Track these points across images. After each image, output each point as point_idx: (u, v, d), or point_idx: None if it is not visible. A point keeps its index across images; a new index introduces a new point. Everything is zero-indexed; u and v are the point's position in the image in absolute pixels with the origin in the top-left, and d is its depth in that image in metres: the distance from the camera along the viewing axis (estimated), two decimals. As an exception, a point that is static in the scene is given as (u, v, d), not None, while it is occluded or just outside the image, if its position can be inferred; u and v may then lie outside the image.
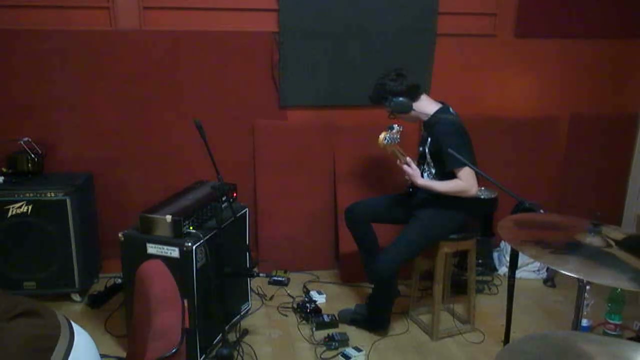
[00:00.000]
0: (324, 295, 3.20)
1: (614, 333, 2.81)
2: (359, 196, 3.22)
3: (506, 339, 2.19)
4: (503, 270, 3.56)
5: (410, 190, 2.82)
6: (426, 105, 2.70)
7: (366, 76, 2.93)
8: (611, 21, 3.59)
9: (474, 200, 2.70)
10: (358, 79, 3.33)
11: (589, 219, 1.71)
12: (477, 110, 3.55)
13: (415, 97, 2.69)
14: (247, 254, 2.89)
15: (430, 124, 2.69)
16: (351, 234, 2.99)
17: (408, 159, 2.64)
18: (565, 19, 3.55)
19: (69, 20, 3.10)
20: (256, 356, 2.64)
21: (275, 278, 3.38)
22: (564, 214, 2.03)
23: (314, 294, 3.20)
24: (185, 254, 2.36)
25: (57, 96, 3.19)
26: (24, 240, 2.91)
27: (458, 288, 3.14)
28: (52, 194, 2.88)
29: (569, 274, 1.49)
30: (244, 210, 2.85)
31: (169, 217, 2.40)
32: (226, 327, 2.53)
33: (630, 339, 2.72)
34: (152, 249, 2.40)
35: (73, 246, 2.95)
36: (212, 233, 2.49)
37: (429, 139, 2.70)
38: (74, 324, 1.15)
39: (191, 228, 2.46)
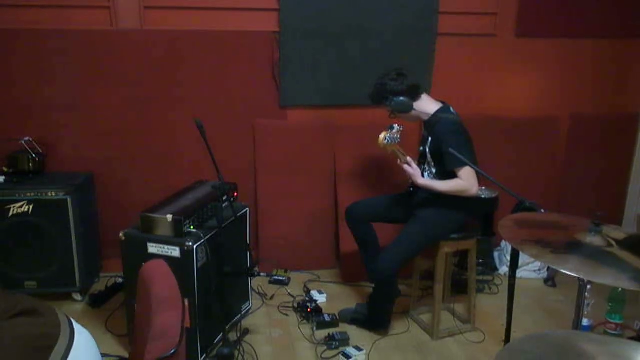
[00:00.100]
0: (325, 295, 3.20)
1: (614, 333, 2.81)
2: (359, 196, 3.22)
3: (507, 339, 2.19)
4: (504, 269, 3.56)
5: (411, 189, 2.83)
6: (427, 105, 2.70)
7: (366, 76, 2.93)
8: (611, 21, 3.59)
9: (475, 200, 2.70)
10: (358, 79, 3.33)
11: (590, 219, 1.71)
12: (477, 110, 3.55)
13: (415, 96, 2.69)
14: (248, 253, 2.89)
15: (430, 124, 2.69)
16: (352, 234, 2.99)
17: (408, 158, 2.64)
18: (565, 19, 3.54)
19: (70, 20, 3.10)
20: (257, 355, 2.64)
21: (276, 277, 3.38)
22: (564, 213, 2.02)
23: (314, 294, 3.20)
24: (186, 253, 2.36)
25: (58, 96, 3.19)
26: (24, 239, 2.91)
27: (459, 288, 3.14)
28: (53, 194, 2.89)
29: (569, 273, 1.49)
30: (244, 210, 2.85)
31: (169, 217, 2.40)
32: (227, 327, 2.53)
33: (631, 338, 2.72)
34: (152, 248, 2.40)
35: (74, 246, 2.95)
36: (212, 232, 2.50)
37: (430, 139, 2.70)
38: (74, 323, 1.14)
39: (192, 227, 2.46)
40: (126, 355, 2.58)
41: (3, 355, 0.99)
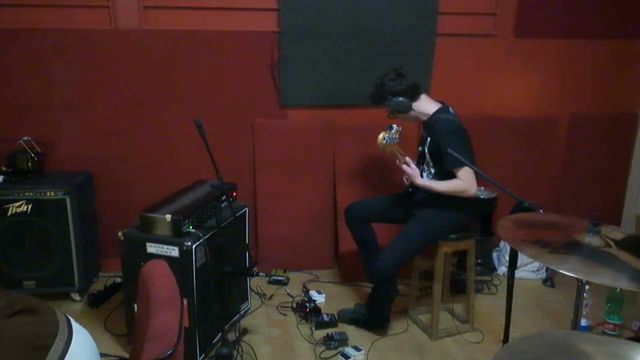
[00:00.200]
0: (324, 295, 3.20)
1: (613, 333, 2.81)
2: (358, 196, 3.23)
3: (505, 339, 2.19)
4: (502, 270, 3.56)
5: (410, 190, 2.83)
6: (426, 105, 2.70)
7: (366, 76, 2.93)
8: (611, 21, 3.60)
9: (474, 200, 2.70)
10: (358, 79, 3.33)
11: (588, 219, 1.71)
12: (477, 110, 3.56)
13: (414, 97, 2.69)
14: (247, 253, 2.89)
15: (429, 124, 2.69)
16: (351, 234, 2.99)
17: (407, 158, 2.64)
18: (565, 19, 3.55)
19: (69, 20, 3.10)
20: (256, 355, 2.64)
21: (275, 277, 3.38)
22: (563, 213, 2.03)
23: (313, 294, 3.20)
24: (185, 253, 2.36)
25: (57, 95, 3.19)
26: (23, 239, 2.91)
27: (457, 288, 3.14)
28: (52, 193, 2.89)
29: (568, 273, 1.49)
30: (243, 210, 2.85)
31: (168, 217, 2.40)
32: (226, 327, 2.53)
33: (629, 338, 2.72)
34: (151, 248, 2.40)
35: (73, 245, 2.95)
36: (211, 232, 2.49)
37: (429, 139, 2.70)
38: (73, 322, 1.14)
39: (191, 227, 2.46)
40: (125, 354, 2.58)
41: (1, 353, 0.99)
